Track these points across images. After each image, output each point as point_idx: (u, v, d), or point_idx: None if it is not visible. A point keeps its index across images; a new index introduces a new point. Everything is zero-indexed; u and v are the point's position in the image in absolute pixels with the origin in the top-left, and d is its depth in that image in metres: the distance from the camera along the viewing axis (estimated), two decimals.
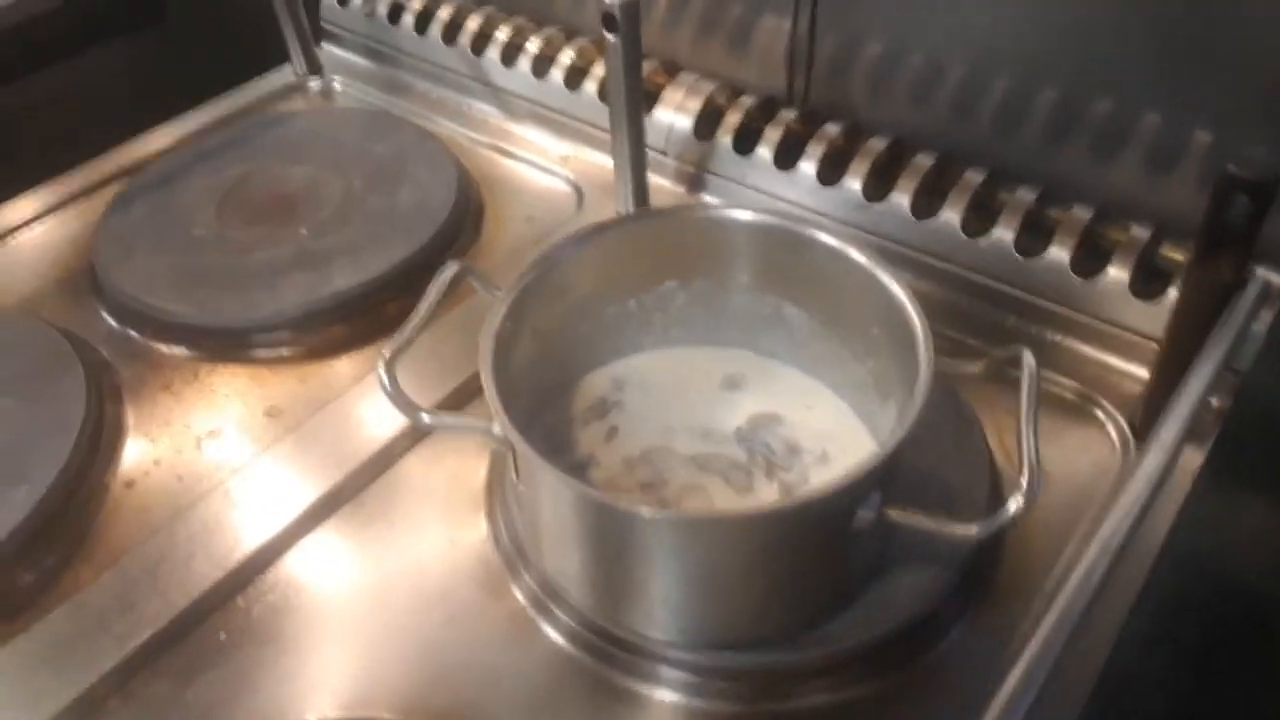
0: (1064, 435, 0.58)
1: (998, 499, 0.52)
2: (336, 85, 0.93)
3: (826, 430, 0.53)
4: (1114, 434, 0.58)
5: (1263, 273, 0.52)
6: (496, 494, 0.55)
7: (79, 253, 0.76)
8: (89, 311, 0.71)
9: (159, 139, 0.86)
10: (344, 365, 0.66)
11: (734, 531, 0.41)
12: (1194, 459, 0.55)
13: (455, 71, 0.87)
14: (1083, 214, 0.61)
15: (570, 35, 0.82)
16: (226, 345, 0.67)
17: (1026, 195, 0.62)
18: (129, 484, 0.59)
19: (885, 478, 0.41)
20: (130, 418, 0.63)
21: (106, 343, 0.68)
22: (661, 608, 0.44)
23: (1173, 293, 0.57)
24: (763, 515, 0.42)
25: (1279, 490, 0.65)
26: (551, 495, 0.44)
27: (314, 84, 0.93)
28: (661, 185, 0.76)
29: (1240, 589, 0.69)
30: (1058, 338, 0.61)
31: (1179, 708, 0.63)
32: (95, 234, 0.74)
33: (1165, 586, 0.53)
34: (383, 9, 0.90)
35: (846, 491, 0.39)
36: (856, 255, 0.49)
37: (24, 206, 0.80)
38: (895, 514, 0.41)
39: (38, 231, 0.79)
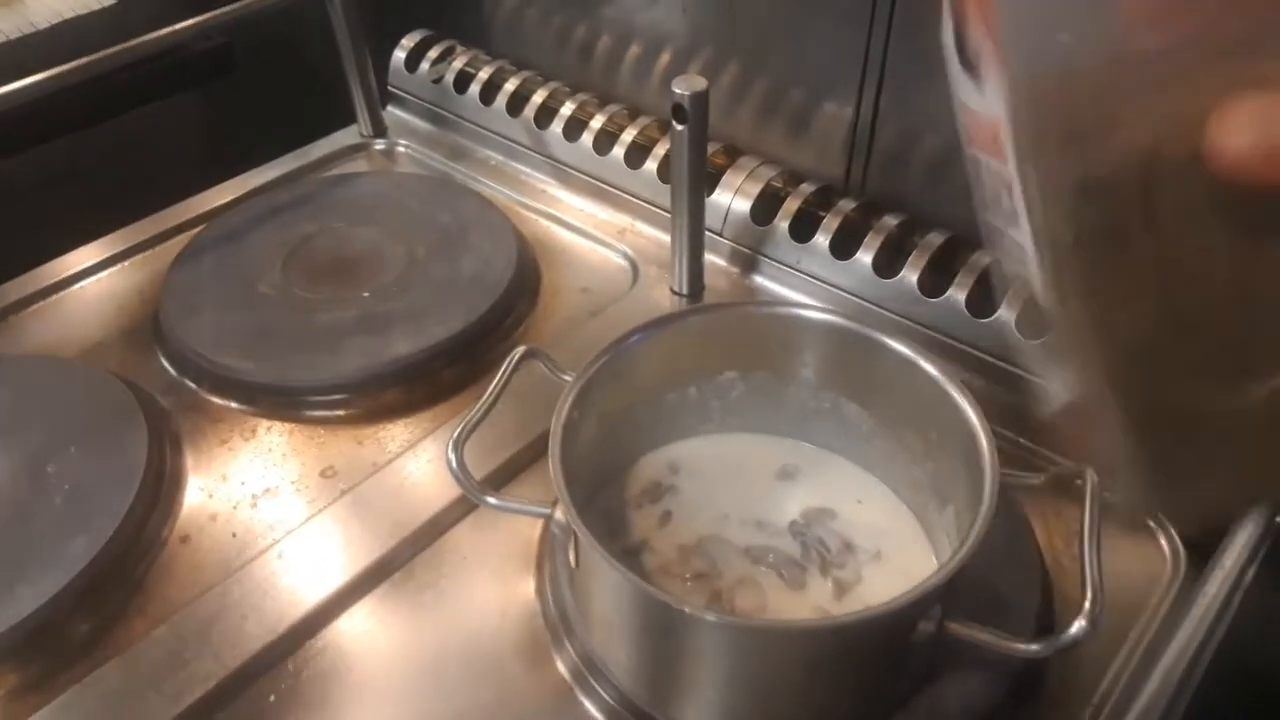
0: (1115, 542, 0.57)
1: (1049, 609, 0.53)
2: (400, 147, 0.95)
3: (881, 528, 0.53)
4: (1165, 544, 0.57)
5: None
6: (546, 565, 0.56)
7: (144, 303, 0.77)
8: (151, 361, 0.72)
9: (226, 192, 0.88)
10: (399, 429, 0.67)
11: (796, 642, 0.41)
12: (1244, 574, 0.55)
13: (517, 142, 0.89)
14: None
15: (634, 115, 0.84)
16: (285, 404, 0.68)
17: None
18: (184, 539, 0.60)
19: (947, 592, 0.42)
20: (189, 472, 0.64)
21: (167, 394, 0.69)
22: (709, 703, 0.45)
23: None
24: (826, 629, 0.42)
25: None
26: (612, 588, 0.45)
27: (378, 145, 0.95)
28: (716, 264, 0.77)
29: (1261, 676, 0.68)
30: None
31: None
32: (161, 285, 0.76)
33: (1209, 695, 0.53)
34: (450, 77, 0.93)
35: (910, 608, 0.40)
36: (928, 367, 0.49)
37: (91, 254, 0.82)
38: (956, 627, 0.41)
39: (104, 279, 0.81)
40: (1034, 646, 0.41)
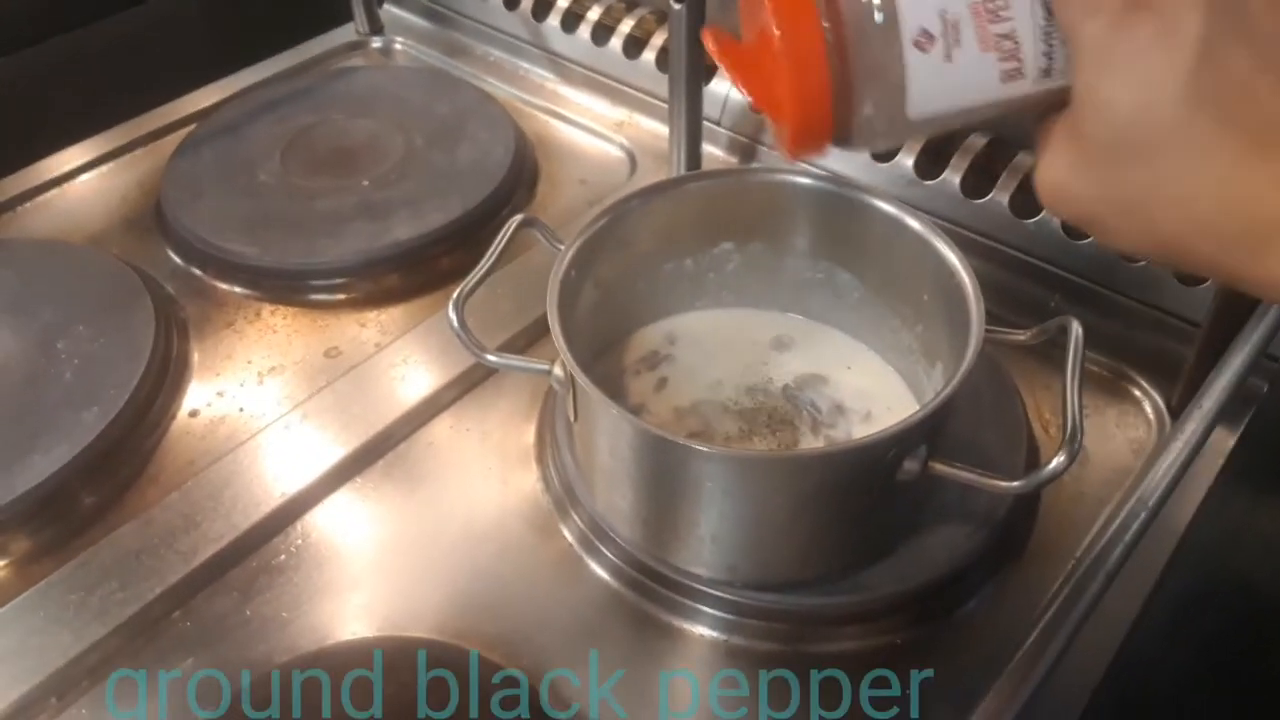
0: (1103, 412, 0.59)
1: (1034, 468, 0.54)
2: (397, 45, 0.95)
3: (871, 392, 0.54)
4: (1151, 412, 0.59)
5: None
6: (547, 440, 0.57)
7: (146, 194, 0.78)
8: (155, 250, 0.73)
9: (224, 88, 0.88)
10: (399, 312, 0.68)
11: (786, 472, 0.43)
12: (1224, 443, 0.56)
13: (514, 36, 0.89)
14: None
15: (631, 6, 0.83)
16: (288, 287, 0.69)
17: None
18: (193, 413, 0.62)
19: (933, 430, 0.43)
20: (195, 351, 0.65)
21: (171, 280, 0.70)
22: (709, 545, 0.46)
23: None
24: (815, 458, 0.44)
25: None
26: (610, 433, 0.46)
27: (375, 43, 0.95)
28: (714, 154, 0.78)
29: (1249, 586, 0.70)
30: (1100, 318, 0.62)
31: (1187, 693, 0.65)
32: (163, 176, 0.77)
33: (1182, 577, 0.54)
34: None
35: (896, 439, 0.41)
36: (912, 223, 0.50)
37: (88, 150, 0.82)
38: (940, 467, 0.43)
39: (103, 173, 0.81)
40: (1015, 483, 0.42)
